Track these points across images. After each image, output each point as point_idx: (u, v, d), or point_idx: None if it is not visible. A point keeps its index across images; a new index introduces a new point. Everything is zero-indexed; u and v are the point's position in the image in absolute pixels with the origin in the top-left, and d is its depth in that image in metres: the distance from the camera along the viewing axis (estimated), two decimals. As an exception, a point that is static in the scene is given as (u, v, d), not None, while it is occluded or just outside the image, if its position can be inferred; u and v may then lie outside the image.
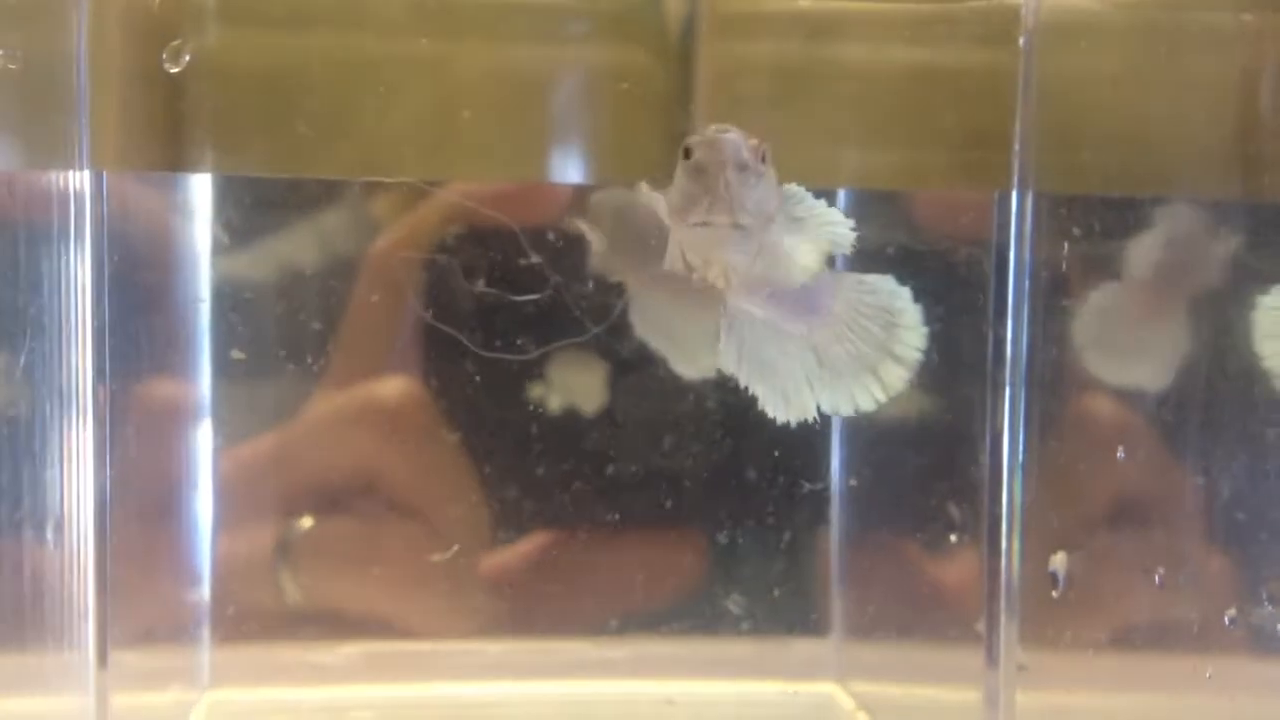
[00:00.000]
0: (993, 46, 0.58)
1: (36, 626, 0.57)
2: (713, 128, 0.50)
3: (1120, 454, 0.56)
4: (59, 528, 0.56)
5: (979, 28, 0.60)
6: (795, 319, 0.55)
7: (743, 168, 0.50)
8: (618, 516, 0.69)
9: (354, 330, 0.68)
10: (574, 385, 0.68)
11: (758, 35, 0.65)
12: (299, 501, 0.69)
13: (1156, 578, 0.54)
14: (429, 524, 0.70)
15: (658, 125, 0.65)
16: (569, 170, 0.65)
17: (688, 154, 0.51)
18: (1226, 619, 0.54)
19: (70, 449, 0.56)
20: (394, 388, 0.69)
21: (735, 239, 0.51)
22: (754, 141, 0.50)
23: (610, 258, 0.65)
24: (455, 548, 0.68)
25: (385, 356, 0.69)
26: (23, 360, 0.53)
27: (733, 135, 0.50)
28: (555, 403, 0.68)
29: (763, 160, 0.51)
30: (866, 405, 0.55)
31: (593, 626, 0.70)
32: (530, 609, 0.70)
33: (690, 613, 0.71)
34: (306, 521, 0.69)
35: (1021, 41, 0.56)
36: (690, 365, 0.67)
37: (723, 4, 0.65)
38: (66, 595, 0.57)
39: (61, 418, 0.56)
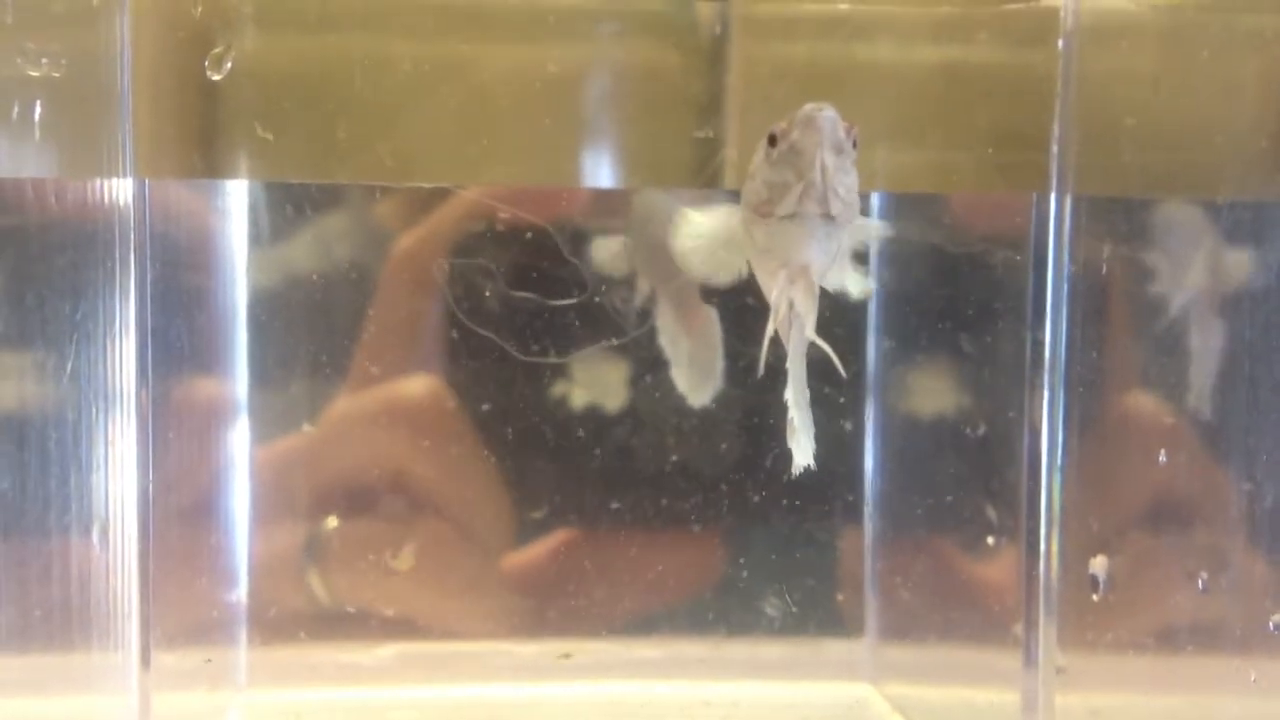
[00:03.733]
0: (1031, 48, 0.57)
1: (82, 628, 0.57)
2: (808, 106, 0.46)
3: (1162, 457, 0.56)
4: (104, 530, 0.57)
5: (1017, 29, 0.59)
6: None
7: (839, 150, 0.46)
8: (642, 515, 0.69)
9: (379, 330, 0.68)
10: (597, 382, 0.68)
11: (791, 37, 0.65)
12: (326, 501, 0.69)
13: (1200, 582, 0.53)
14: (455, 522, 0.70)
15: (689, 129, 0.65)
16: (600, 174, 0.65)
17: (774, 140, 0.47)
18: (1271, 625, 0.54)
19: (115, 452, 0.57)
20: (418, 386, 0.69)
21: (823, 233, 0.48)
22: (846, 124, 0.47)
23: (641, 262, 0.65)
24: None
25: (410, 356, 0.69)
26: (69, 365, 0.53)
27: (831, 113, 0.46)
28: (579, 400, 0.68)
29: (854, 145, 0.47)
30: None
31: (619, 626, 0.70)
32: (553, 608, 0.70)
33: (724, 614, 0.71)
34: (332, 522, 0.69)
35: (1060, 43, 0.55)
36: (687, 386, 0.67)
37: (755, 6, 0.65)
38: (111, 597, 0.58)
39: (106, 421, 0.56)
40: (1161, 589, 0.57)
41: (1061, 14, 0.55)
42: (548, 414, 0.68)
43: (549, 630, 0.70)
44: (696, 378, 0.66)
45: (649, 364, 0.67)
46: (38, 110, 0.49)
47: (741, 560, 0.71)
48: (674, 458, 0.69)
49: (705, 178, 0.64)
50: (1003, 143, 0.61)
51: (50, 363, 0.53)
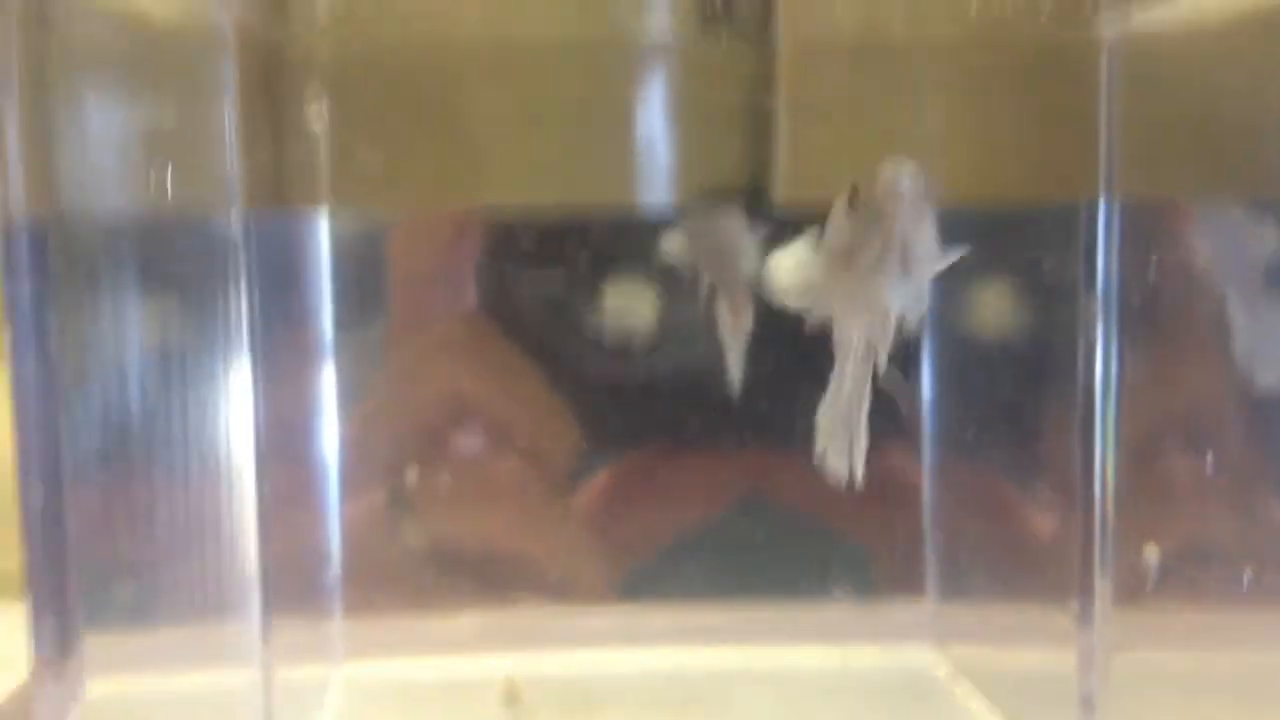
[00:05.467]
0: (1077, 49, 0.58)
1: (215, 599, 0.58)
2: (888, 168, 0.48)
3: (1210, 458, 0.57)
4: (229, 503, 0.58)
5: (1061, 31, 0.60)
6: None
7: (918, 206, 0.48)
8: (682, 441, 0.71)
9: (407, 292, 0.71)
10: (629, 313, 0.70)
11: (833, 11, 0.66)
12: (402, 451, 0.72)
13: (1245, 578, 0.54)
14: (526, 452, 0.73)
15: (737, 137, 0.67)
16: (656, 186, 0.67)
17: (854, 196, 0.49)
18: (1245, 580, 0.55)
19: (235, 418, 0.58)
20: (464, 328, 0.72)
21: (901, 280, 0.50)
22: (921, 175, 0.48)
23: (702, 263, 0.68)
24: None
25: (442, 309, 0.72)
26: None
27: (909, 177, 0.48)
28: (612, 330, 0.70)
29: (927, 194, 0.49)
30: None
31: (691, 585, 0.73)
32: (615, 535, 0.73)
33: (786, 576, 0.73)
34: (413, 472, 0.72)
35: (1105, 52, 0.56)
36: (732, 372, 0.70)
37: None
38: (235, 569, 0.58)
39: (226, 394, 0.57)
40: (1210, 580, 0.58)
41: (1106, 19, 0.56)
42: (583, 343, 0.70)
43: (629, 594, 0.73)
44: (736, 365, 0.69)
45: (677, 291, 0.69)
46: (156, 154, 0.51)
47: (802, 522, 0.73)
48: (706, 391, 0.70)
49: (752, 189, 0.66)
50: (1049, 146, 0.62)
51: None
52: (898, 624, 0.74)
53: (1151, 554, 0.57)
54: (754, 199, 0.68)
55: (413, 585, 0.72)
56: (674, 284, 0.68)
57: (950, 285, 0.69)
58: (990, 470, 0.69)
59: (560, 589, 0.73)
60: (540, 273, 0.70)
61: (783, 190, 0.67)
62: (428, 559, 0.72)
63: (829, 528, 0.73)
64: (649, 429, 0.71)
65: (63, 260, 0.48)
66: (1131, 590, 0.58)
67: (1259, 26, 0.51)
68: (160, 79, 0.50)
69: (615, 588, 0.74)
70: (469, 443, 0.72)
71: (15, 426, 0.47)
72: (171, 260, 0.52)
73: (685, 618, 0.73)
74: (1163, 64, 0.58)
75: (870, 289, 0.50)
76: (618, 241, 0.69)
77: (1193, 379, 0.60)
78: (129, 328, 0.52)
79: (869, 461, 0.70)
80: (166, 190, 0.49)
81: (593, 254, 0.69)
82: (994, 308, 0.68)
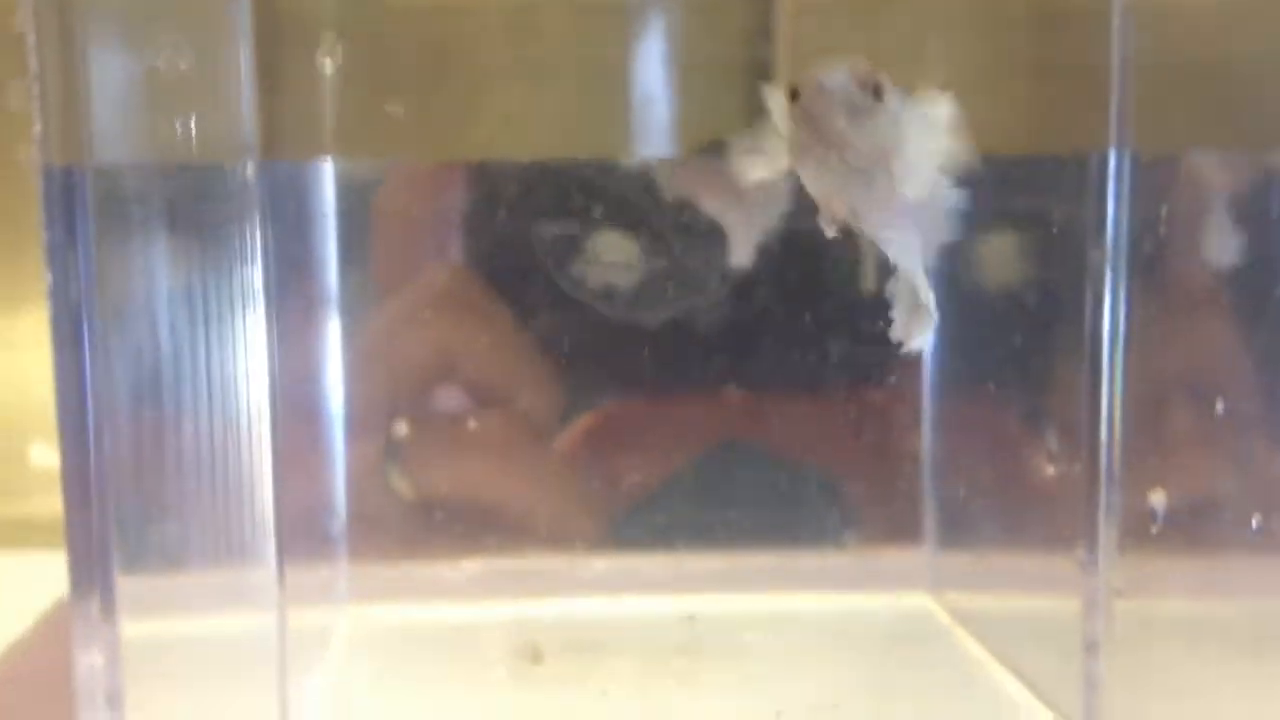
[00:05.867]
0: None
1: (236, 543, 0.58)
2: (818, 68, 0.47)
3: (1220, 405, 0.57)
4: (249, 448, 0.57)
5: None
6: None
7: (855, 110, 0.47)
8: (673, 384, 0.72)
9: (387, 246, 0.72)
10: (613, 261, 0.71)
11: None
12: (394, 402, 0.73)
13: (1254, 521, 0.55)
14: (510, 405, 0.74)
15: (739, 58, 0.66)
16: (656, 139, 0.67)
17: (794, 96, 0.47)
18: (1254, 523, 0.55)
19: (252, 375, 0.58)
20: (447, 281, 0.73)
21: (856, 179, 0.48)
22: (865, 72, 0.47)
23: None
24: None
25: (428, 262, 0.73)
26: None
27: (838, 76, 0.46)
28: (595, 280, 0.71)
29: (876, 92, 0.47)
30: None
31: (692, 530, 0.73)
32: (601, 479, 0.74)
33: (788, 524, 0.74)
34: (403, 427, 0.73)
35: (1117, 1, 0.56)
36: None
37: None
38: (254, 513, 0.58)
39: (245, 343, 0.57)
40: (1215, 527, 0.59)
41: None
42: (570, 292, 0.71)
43: (618, 540, 0.74)
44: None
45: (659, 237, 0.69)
46: (168, 100, 0.51)
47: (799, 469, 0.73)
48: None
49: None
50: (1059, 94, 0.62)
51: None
52: (893, 571, 0.74)
53: (1157, 500, 0.57)
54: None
55: (408, 534, 0.73)
56: (657, 232, 0.69)
57: (958, 233, 0.70)
58: (995, 417, 0.70)
59: (551, 535, 0.74)
60: (525, 222, 0.70)
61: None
62: (423, 508, 0.73)
63: (819, 473, 0.74)
64: (631, 375, 0.72)
65: (94, 207, 0.48)
66: (1137, 536, 0.59)
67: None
68: (180, 25, 0.50)
69: (608, 532, 0.74)
70: (456, 394, 0.73)
71: (55, 373, 0.47)
72: (192, 208, 0.52)
73: (683, 564, 0.74)
74: (1175, 14, 0.57)
75: (825, 183, 0.49)
76: (601, 191, 0.69)
77: (1200, 328, 0.60)
78: (156, 276, 0.52)
79: (867, 408, 0.72)
80: (190, 138, 0.49)
81: (577, 203, 0.69)
82: (1002, 256, 0.68)
